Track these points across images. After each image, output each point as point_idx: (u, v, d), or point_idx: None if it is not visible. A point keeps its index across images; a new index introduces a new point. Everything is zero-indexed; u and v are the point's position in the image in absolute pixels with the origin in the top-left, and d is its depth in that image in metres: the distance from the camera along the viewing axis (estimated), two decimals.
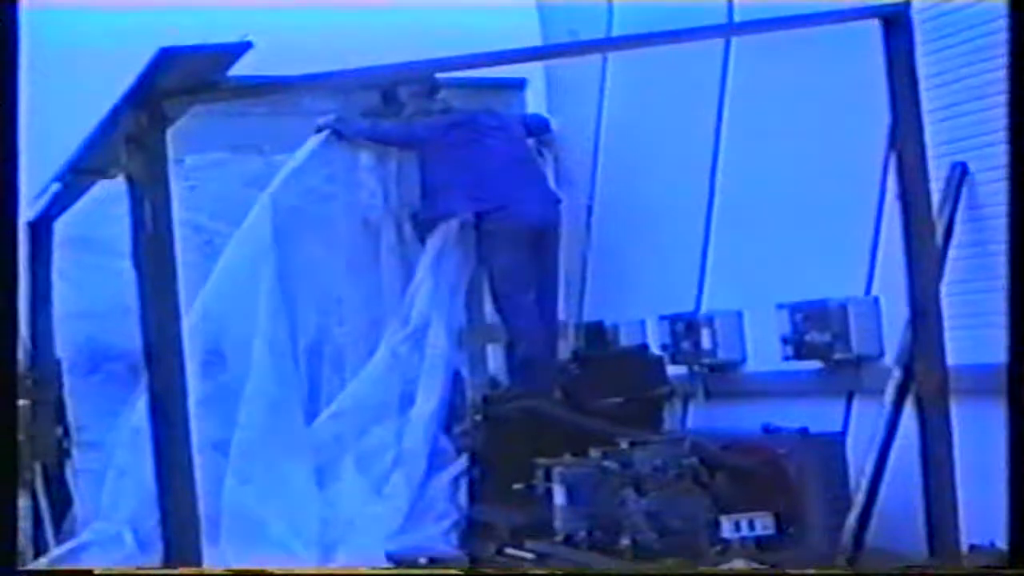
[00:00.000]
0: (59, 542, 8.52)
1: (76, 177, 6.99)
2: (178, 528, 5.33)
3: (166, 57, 4.91)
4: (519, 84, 10.32)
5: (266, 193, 8.92)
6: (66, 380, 8.93)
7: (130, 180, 5.30)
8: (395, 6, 9.92)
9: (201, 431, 5.65)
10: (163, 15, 9.33)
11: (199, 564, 5.39)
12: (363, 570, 7.46)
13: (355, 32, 9.60)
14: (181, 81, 5.14)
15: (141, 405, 7.72)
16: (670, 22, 7.84)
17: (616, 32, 9.56)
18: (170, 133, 5.33)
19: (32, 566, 7.97)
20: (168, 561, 5.45)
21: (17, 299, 5.20)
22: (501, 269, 9.31)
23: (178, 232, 5.51)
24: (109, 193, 7.41)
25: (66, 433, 8.88)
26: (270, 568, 7.42)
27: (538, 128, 10.10)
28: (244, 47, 4.95)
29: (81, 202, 7.97)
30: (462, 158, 9.26)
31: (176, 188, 5.54)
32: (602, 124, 10.00)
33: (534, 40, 10.00)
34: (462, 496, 8.62)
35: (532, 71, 10.26)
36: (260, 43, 5.07)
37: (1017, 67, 4.89)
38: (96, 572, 5.46)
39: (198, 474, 5.34)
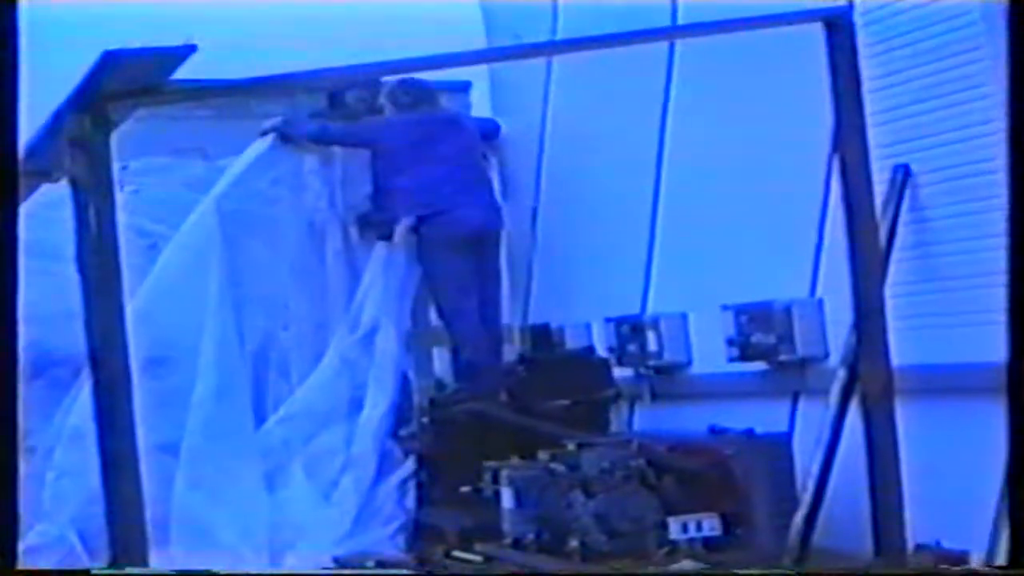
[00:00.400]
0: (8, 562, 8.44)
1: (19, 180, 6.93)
2: (124, 530, 5.31)
3: (110, 60, 4.89)
4: (464, 87, 10.30)
5: (209, 196, 8.88)
6: None
7: (74, 184, 5.27)
8: (341, 7, 9.89)
9: (149, 434, 5.63)
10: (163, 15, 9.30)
11: (145, 566, 5.38)
12: (365, 570, 7.44)
13: (300, 33, 9.58)
14: (125, 84, 5.12)
15: (79, 405, 7.73)
16: (615, 24, 7.88)
17: (561, 34, 9.57)
18: (113, 137, 5.31)
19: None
20: (113, 563, 5.42)
21: (17, 297, 5.15)
22: (441, 274, 9.27)
23: (122, 236, 5.49)
24: (51, 197, 7.37)
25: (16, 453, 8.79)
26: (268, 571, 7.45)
27: (490, 132, 10.10)
28: (189, 50, 4.94)
29: (23, 206, 7.90)
30: (408, 161, 9.23)
31: (119, 192, 5.51)
32: (547, 126, 10.01)
33: (479, 42, 10.00)
34: (409, 499, 8.62)
35: (476, 73, 10.24)
36: (204, 44, 5.06)
37: (1017, 67, 4.91)
38: (93, 572, 5.43)
39: (146, 477, 5.32)
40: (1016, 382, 4.89)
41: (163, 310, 8.54)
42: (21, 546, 8.08)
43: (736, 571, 6.78)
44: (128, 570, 5.34)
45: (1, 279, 5.09)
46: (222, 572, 6.80)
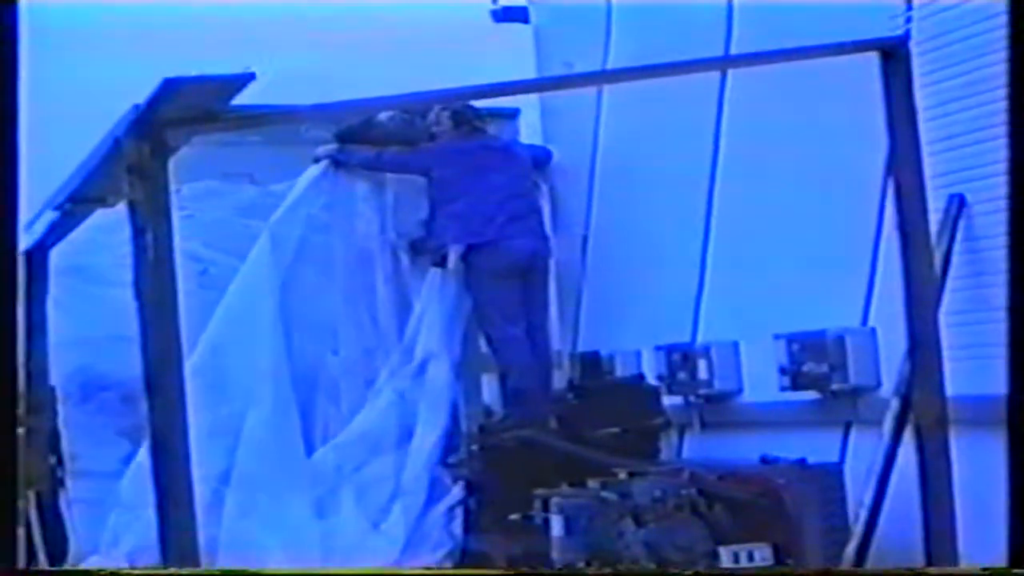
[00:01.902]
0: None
1: (75, 206, 6.98)
2: (178, 561, 5.31)
3: (169, 87, 4.92)
4: (512, 113, 10.32)
5: (268, 224, 8.93)
6: (59, 408, 8.90)
7: (132, 209, 5.29)
8: (394, 39, 9.93)
9: (202, 463, 5.63)
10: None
11: None
12: (367, 569, 7.43)
13: (350, 60, 9.62)
14: (184, 111, 5.15)
15: (147, 442, 7.75)
16: (667, 52, 7.87)
17: (612, 62, 9.58)
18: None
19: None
20: None
21: (16, 306, 5.16)
22: (490, 302, 9.29)
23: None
24: (103, 221, 7.43)
25: (59, 462, 8.85)
26: (267, 569, 7.43)
27: (542, 160, 10.11)
28: (247, 78, 4.97)
29: (75, 231, 7.96)
30: (461, 188, 9.26)
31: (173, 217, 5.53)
32: (598, 154, 10.01)
33: (530, 70, 10.03)
34: (457, 526, 8.61)
35: (526, 100, 10.26)
36: (259, 72, 5.09)
37: (1017, 67, 4.90)
38: (93, 572, 5.43)
39: (198, 506, 5.33)
40: (1018, 381, 4.86)
41: (226, 340, 8.59)
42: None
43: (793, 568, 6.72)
44: (129, 570, 5.35)
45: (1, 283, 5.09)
46: (229, 570, 6.80)
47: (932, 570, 6.18)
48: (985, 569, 5.84)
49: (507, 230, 9.30)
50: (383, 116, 9.42)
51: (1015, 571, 4.78)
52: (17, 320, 5.21)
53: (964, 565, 6.17)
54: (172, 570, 5.44)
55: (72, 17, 9.38)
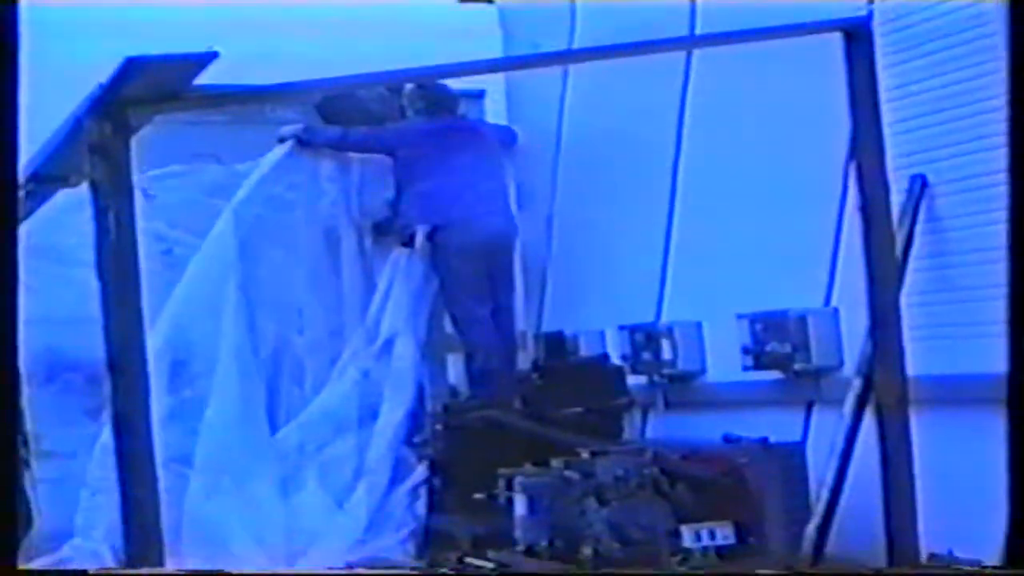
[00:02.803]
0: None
1: (37, 185, 6.96)
2: (141, 541, 5.32)
3: (132, 66, 4.91)
4: (478, 94, 10.32)
5: (231, 203, 8.90)
6: (24, 389, 8.85)
7: (94, 189, 5.29)
8: (357, 13, 9.90)
9: (165, 444, 5.64)
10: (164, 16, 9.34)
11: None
12: (361, 571, 7.44)
13: (314, 39, 9.60)
14: (146, 90, 5.14)
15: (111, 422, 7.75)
16: (632, 33, 7.90)
17: (578, 42, 9.58)
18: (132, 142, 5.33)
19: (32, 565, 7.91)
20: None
21: (17, 297, 5.16)
22: (456, 282, 9.30)
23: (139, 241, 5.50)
24: (67, 201, 7.40)
25: (24, 443, 8.82)
26: (267, 569, 7.44)
27: (508, 140, 10.11)
28: (210, 56, 4.96)
29: (41, 210, 7.93)
30: (428, 168, 9.26)
31: (136, 197, 5.52)
32: (563, 134, 10.02)
33: (496, 50, 10.02)
34: (420, 505, 8.62)
35: (492, 81, 10.25)
36: (225, 51, 5.09)
37: (1017, 67, 4.92)
38: (92, 572, 5.44)
39: (162, 487, 5.34)
40: (1017, 380, 4.89)
41: (188, 320, 8.58)
42: (55, 556, 8.20)
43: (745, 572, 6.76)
44: (128, 571, 5.35)
45: (2, 279, 5.08)
46: (226, 572, 6.81)
47: (932, 570, 6.24)
48: (985, 569, 5.90)
49: (474, 210, 9.31)
50: (362, 91, 9.43)
51: (1015, 571, 4.81)
52: (17, 319, 5.20)
53: (964, 565, 6.23)
54: (171, 570, 5.46)
55: (72, 17, 9.33)
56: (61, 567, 7.88)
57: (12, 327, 5.09)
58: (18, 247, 5.13)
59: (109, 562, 7.91)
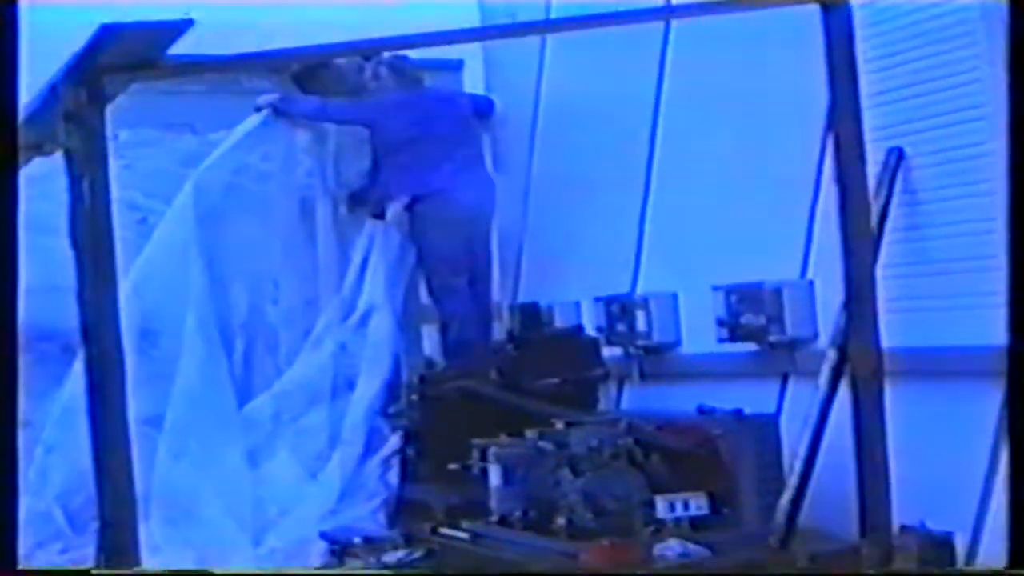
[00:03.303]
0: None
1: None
2: (114, 506, 5.31)
3: (107, 33, 4.88)
4: (456, 65, 10.30)
5: (197, 171, 8.89)
6: None
7: (68, 157, 5.26)
8: None
9: (134, 407, 5.62)
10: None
11: (135, 542, 5.37)
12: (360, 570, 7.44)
13: (291, 9, 9.56)
14: (122, 57, 5.11)
15: (70, 382, 7.74)
16: (609, 3, 7.87)
17: (555, 13, 9.55)
18: (107, 110, 5.30)
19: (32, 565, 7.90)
20: (102, 540, 5.42)
21: (17, 297, 5.14)
22: (434, 252, 9.33)
23: (114, 209, 5.47)
24: (40, 170, 7.36)
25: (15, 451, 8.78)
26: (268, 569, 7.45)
27: (484, 109, 10.10)
28: (186, 24, 4.93)
29: None
30: (407, 140, 9.26)
31: (111, 165, 5.50)
32: (540, 105, 10.00)
33: (473, 19, 10.00)
34: (392, 475, 8.63)
35: (470, 51, 10.24)
36: (201, 19, 5.06)
37: (1017, 66, 4.92)
38: (92, 572, 5.43)
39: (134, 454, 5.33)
40: (1015, 379, 4.90)
41: (152, 285, 8.57)
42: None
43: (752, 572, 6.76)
44: (128, 571, 5.36)
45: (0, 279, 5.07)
46: (220, 572, 6.83)
47: (931, 570, 6.27)
48: (985, 569, 5.93)
49: (454, 180, 9.33)
50: (339, 61, 9.41)
51: (1015, 571, 4.83)
52: (17, 319, 5.18)
53: (964, 566, 6.26)
54: (171, 570, 5.45)
55: (72, 17, 9.27)
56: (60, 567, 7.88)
57: (12, 335, 5.08)
58: (18, 252, 5.11)
59: (59, 522, 7.90)
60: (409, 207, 9.27)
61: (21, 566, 5.15)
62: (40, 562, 7.44)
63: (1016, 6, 5.01)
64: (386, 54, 9.33)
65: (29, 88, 5.05)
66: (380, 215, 9.25)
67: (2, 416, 5.04)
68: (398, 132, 9.28)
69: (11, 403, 5.07)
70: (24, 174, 7.62)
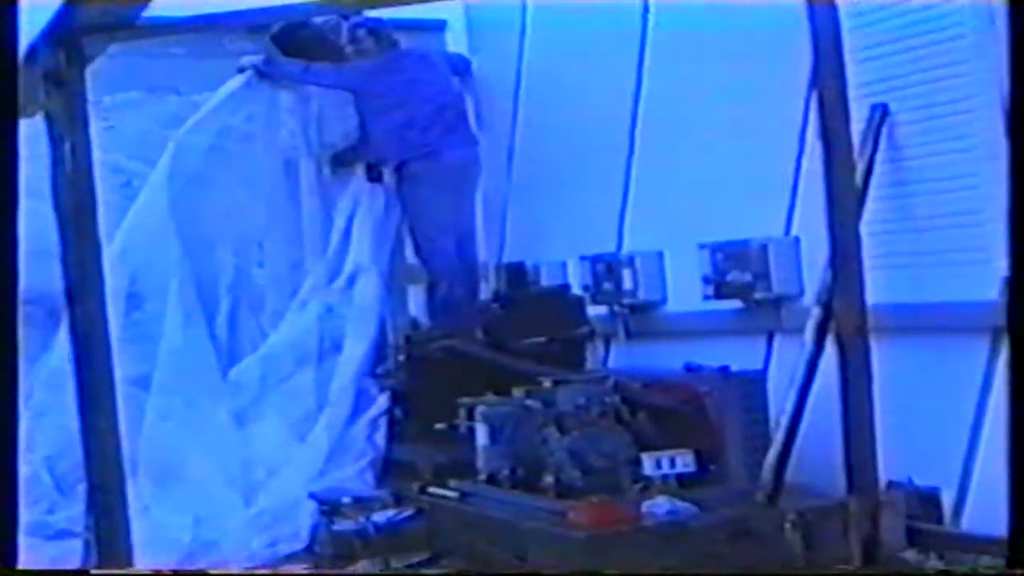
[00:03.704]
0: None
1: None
2: (101, 468, 5.33)
3: None
4: (439, 25, 10.27)
5: (179, 132, 8.87)
6: None
7: (49, 119, 5.25)
8: None
9: (120, 367, 5.63)
10: None
11: (123, 502, 5.39)
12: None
13: None
14: (99, 18, 5.09)
15: (58, 347, 7.73)
16: None
17: None
18: (88, 73, 5.28)
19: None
20: (90, 500, 5.43)
21: (17, 299, 5.13)
22: (422, 212, 9.33)
23: (97, 172, 5.47)
24: (23, 132, 7.34)
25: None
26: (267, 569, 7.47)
27: (461, 68, 10.08)
28: None
29: None
30: (395, 103, 9.26)
31: (94, 128, 5.49)
32: (523, 65, 9.97)
33: None
34: (380, 436, 8.64)
35: (452, 11, 10.21)
36: None
37: (1017, 66, 4.91)
38: (92, 572, 5.44)
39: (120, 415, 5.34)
40: (1016, 378, 4.90)
41: (137, 248, 8.57)
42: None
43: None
44: (129, 570, 5.37)
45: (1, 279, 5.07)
46: (218, 572, 6.84)
47: (932, 570, 6.29)
48: (986, 569, 5.95)
49: (444, 140, 9.35)
50: (318, 22, 9.38)
51: (1015, 571, 4.85)
52: (17, 314, 5.17)
53: (964, 565, 6.28)
54: (171, 570, 5.45)
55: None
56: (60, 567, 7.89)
57: (12, 332, 5.07)
58: (19, 249, 5.11)
59: (47, 485, 7.90)
60: (397, 168, 9.28)
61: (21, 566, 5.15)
62: (25, 521, 7.48)
63: (1016, 6, 4.99)
64: (364, 15, 9.29)
65: None
66: (377, 178, 9.26)
67: (2, 418, 5.03)
68: (382, 97, 9.27)
69: (11, 405, 5.06)
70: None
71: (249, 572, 7.40)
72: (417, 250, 9.44)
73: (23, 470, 7.97)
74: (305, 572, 7.43)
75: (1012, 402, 4.79)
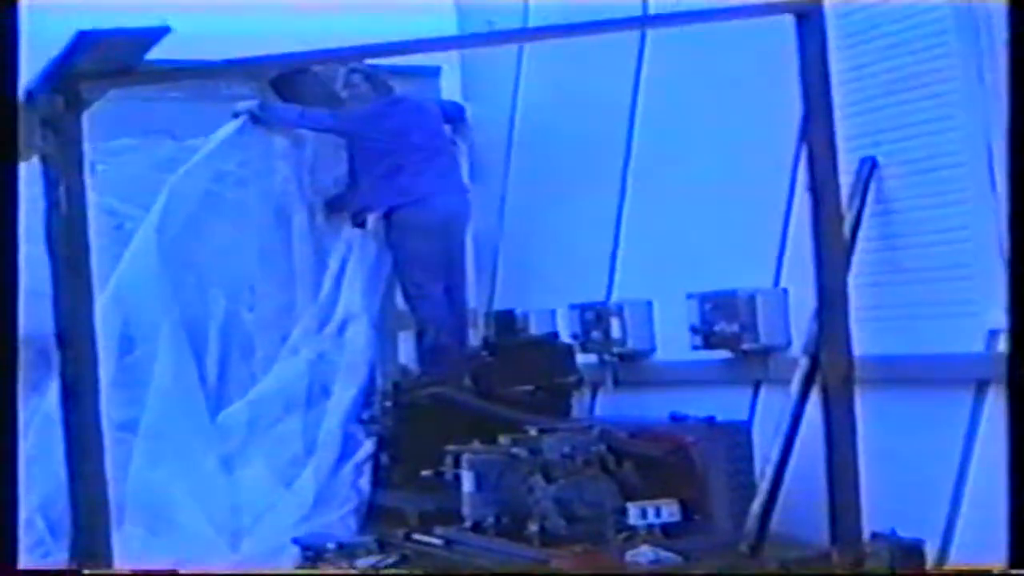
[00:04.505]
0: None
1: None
2: (88, 512, 5.32)
3: (84, 40, 4.89)
4: (434, 72, 10.34)
5: (173, 177, 8.90)
6: None
7: (45, 163, 5.27)
8: None
9: (110, 412, 5.63)
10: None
11: (108, 547, 5.38)
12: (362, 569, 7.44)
13: (270, 17, 9.58)
14: (99, 64, 5.12)
15: (51, 392, 7.73)
16: (586, 13, 7.90)
17: (532, 22, 9.59)
18: (85, 116, 5.31)
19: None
20: (75, 545, 5.43)
21: (17, 297, 5.15)
22: (411, 260, 9.35)
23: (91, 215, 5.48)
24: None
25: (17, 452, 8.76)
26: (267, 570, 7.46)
27: (454, 115, 10.14)
28: (162, 32, 4.95)
29: None
30: (386, 150, 9.29)
31: (88, 171, 5.51)
32: (516, 113, 10.03)
33: (451, 28, 10.03)
34: (364, 482, 8.65)
35: (447, 58, 10.28)
36: (177, 26, 5.08)
37: (1017, 67, 4.96)
38: (89, 572, 5.43)
39: (108, 459, 5.33)
40: (1016, 377, 4.94)
41: (131, 289, 8.59)
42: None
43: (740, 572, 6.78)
44: (128, 570, 5.37)
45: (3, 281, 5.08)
46: (217, 572, 6.82)
47: (933, 570, 6.30)
48: (986, 569, 5.95)
49: (432, 188, 9.38)
50: (318, 69, 9.44)
51: (1015, 571, 4.87)
52: (17, 317, 5.18)
53: (964, 565, 6.30)
54: (170, 569, 5.45)
55: (72, 17, 9.25)
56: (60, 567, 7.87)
57: (12, 336, 5.08)
58: (18, 256, 5.12)
59: (40, 530, 7.89)
60: (386, 215, 9.31)
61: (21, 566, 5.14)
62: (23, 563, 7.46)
63: (1016, 6, 5.04)
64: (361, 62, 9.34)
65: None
66: (361, 224, 9.29)
67: (2, 418, 5.04)
68: (374, 143, 9.32)
69: (11, 406, 5.07)
70: None
71: (241, 572, 7.38)
72: (406, 296, 9.46)
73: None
74: (302, 572, 7.42)
75: (1010, 399, 4.83)
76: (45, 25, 5.44)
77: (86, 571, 5.39)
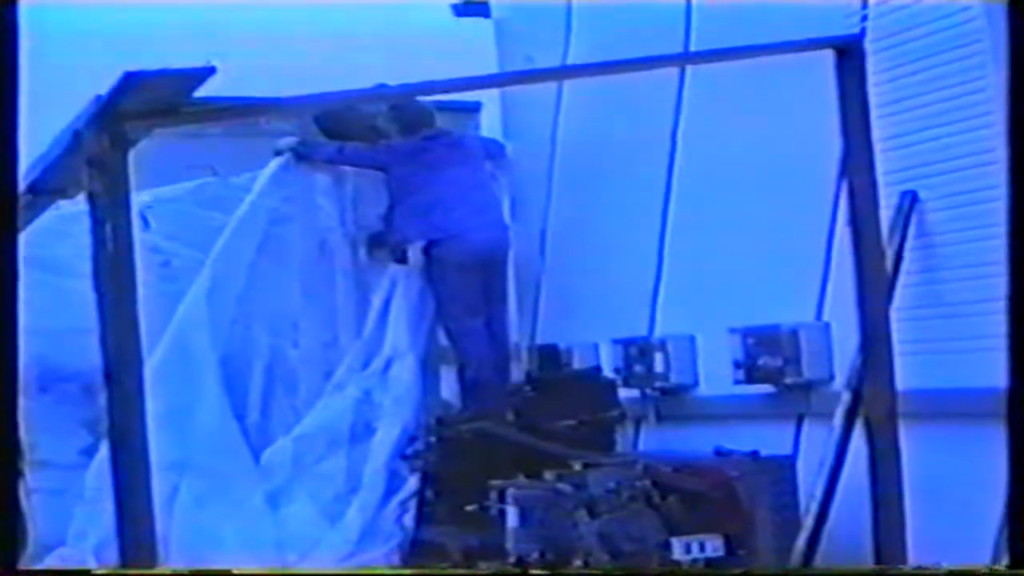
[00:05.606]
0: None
1: (35, 197, 7.00)
2: (135, 549, 5.35)
3: (131, 80, 4.95)
4: (474, 107, 10.38)
5: (234, 217, 8.96)
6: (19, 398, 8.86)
7: (91, 201, 5.32)
8: (356, 34, 9.96)
9: (156, 452, 5.67)
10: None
11: None
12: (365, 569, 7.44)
13: (314, 52, 9.65)
14: (145, 104, 5.18)
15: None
16: (626, 48, 7.95)
17: (573, 57, 9.63)
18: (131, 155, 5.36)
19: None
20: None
21: (17, 307, 5.19)
22: (450, 295, 9.36)
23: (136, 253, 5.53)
24: (62, 212, 7.44)
25: (19, 452, 8.82)
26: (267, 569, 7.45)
27: (495, 152, 10.17)
28: (208, 72, 5.00)
29: (38, 221, 7.96)
30: (422, 185, 9.32)
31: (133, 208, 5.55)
32: (557, 148, 10.06)
33: (491, 64, 10.07)
34: (408, 518, 8.65)
35: (488, 94, 10.32)
36: (223, 63, 5.13)
37: (1017, 67, 4.97)
38: (93, 572, 5.46)
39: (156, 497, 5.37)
40: (1017, 378, 4.93)
41: (192, 332, 8.64)
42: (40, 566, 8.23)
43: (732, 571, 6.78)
44: (128, 570, 5.38)
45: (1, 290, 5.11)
46: (222, 571, 6.81)
47: (933, 570, 6.27)
48: (986, 569, 5.93)
49: (469, 223, 9.38)
50: (361, 105, 9.48)
51: (1015, 572, 4.85)
52: (17, 320, 5.22)
53: (964, 565, 6.27)
54: (170, 570, 5.47)
55: (72, 17, 9.35)
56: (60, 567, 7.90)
57: (12, 336, 5.12)
58: (18, 257, 5.16)
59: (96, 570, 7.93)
60: (426, 250, 9.33)
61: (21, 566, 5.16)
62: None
63: (1016, 6, 5.05)
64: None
65: (29, 88, 5.08)
66: (401, 259, 9.32)
67: (2, 418, 5.07)
68: (411, 177, 9.35)
69: (11, 405, 5.10)
70: (47, 217, 7.76)
71: (254, 572, 7.38)
72: (447, 331, 9.47)
73: (74, 555, 8.05)
74: (311, 572, 7.41)
75: (1012, 399, 4.82)
76: (45, 25, 5.48)
77: (94, 571, 5.41)
